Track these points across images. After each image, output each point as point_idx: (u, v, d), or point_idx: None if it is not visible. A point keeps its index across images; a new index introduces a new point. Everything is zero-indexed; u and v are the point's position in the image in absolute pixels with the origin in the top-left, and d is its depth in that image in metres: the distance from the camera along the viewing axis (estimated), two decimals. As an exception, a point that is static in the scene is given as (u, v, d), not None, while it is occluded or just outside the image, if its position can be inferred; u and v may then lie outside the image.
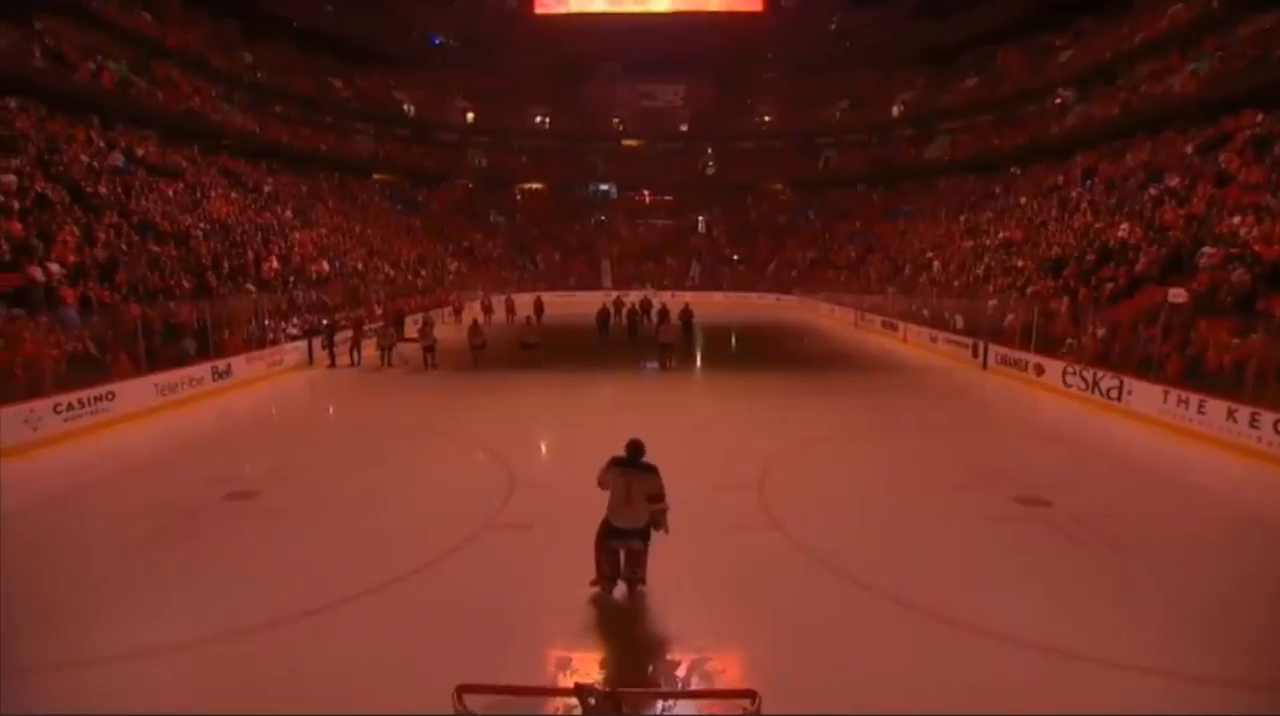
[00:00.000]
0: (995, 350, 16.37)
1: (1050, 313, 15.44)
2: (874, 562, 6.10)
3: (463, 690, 2.83)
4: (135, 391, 11.59)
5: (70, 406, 10.25)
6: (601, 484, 5.30)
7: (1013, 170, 32.74)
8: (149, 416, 11.57)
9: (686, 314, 22.39)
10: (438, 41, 47.94)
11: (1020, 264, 20.64)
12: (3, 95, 20.04)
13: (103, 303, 13.05)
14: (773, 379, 16.00)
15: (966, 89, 40.05)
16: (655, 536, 5.32)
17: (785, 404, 13.34)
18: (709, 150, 51.60)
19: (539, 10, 45.07)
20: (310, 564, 6.20)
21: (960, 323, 19.23)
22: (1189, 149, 20.11)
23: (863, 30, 45.79)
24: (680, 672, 4.53)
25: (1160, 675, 4.52)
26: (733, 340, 24.92)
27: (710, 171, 51.28)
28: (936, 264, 27.11)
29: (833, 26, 47.37)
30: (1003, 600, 5.48)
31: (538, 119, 51.13)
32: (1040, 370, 14.33)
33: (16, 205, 14.62)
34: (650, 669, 4.63)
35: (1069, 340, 14.25)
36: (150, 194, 19.92)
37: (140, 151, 22.81)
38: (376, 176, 43.27)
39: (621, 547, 5.32)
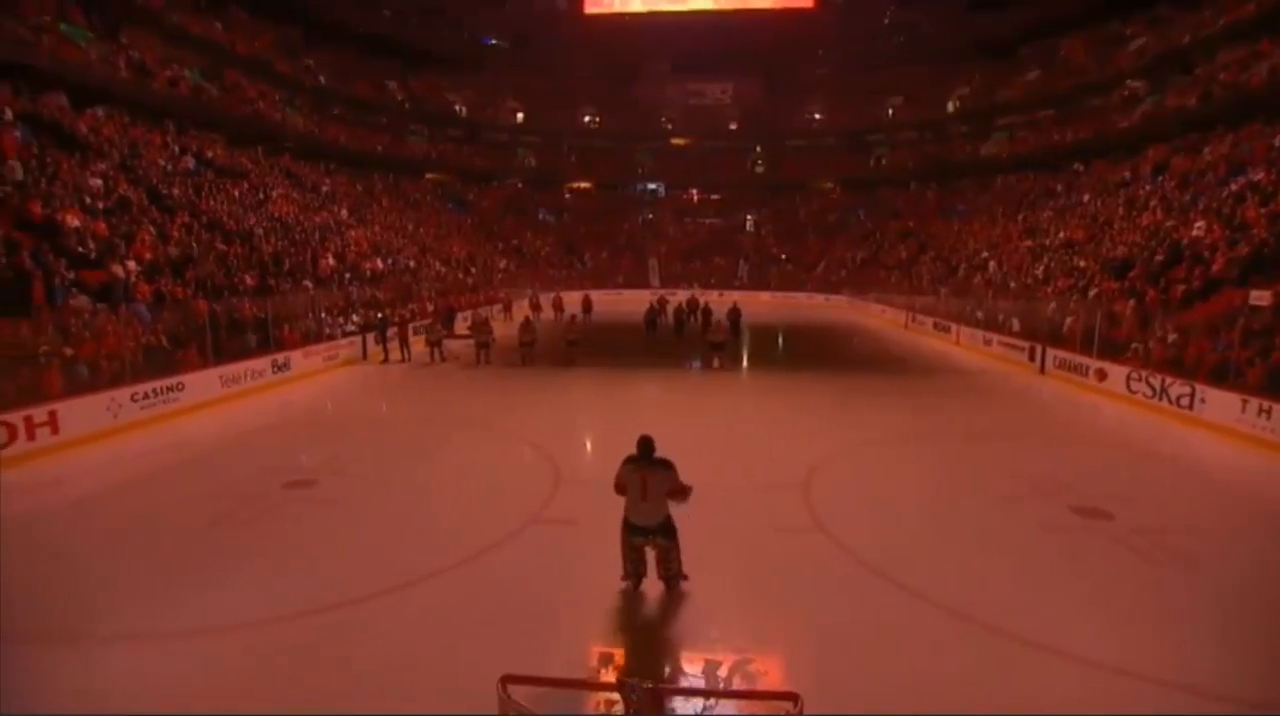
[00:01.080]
0: (1053, 354, 15.76)
1: (1114, 315, 14.77)
2: (921, 569, 5.96)
3: (507, 680, 2.89)
4: (202, 382, 12.19)
5: (146, 395, 10.86)
6: (618, 487, 5.34)
7: (1076, 167, 31.41)
8: (214, 406, 12.14)
9: (734, 313, 22.24)
10: (490, 43, 48.78)
11: (1082, 264, 19.82)
12: (92, 104, 21.35)
13: (175, 298, 13.76)
14: (820, 380, 15.75)
15: (1026, 82, 38.60)
16: (681, 534, 5.34)
17: (833, 405, 13.13)
18: (758, 149, 51.14)
19: (589, 10, 45.40)
20: (363, 552, 6.42)
21: (1016, 325, 18.57)
22: (1277, 141, 18.92)
23: (917, 24, 44.62)
24: (722, 672, 4.53)
25: (1234, 702, 4.30)
26: (780, 340, 24.64)
27: (759, 170, 50.79)
28: (992, 264, 26.23)
29: (885, 21, 46.32)
30: (1055, 613, 5.29)
31: (586, 118, 51.54)
32: (1102, 375, 13.72)
33: (102, 206, 15.56)
34: (692, 667, 4.64)
35: (1134, 344, 13.60)
36: (218, 194, 20.90)
37: (209, 154, 23.96)
38: (429, 176, 44.33)
39: (645, 545, 5.37)
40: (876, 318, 30.85)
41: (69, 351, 10.37)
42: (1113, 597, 5.58)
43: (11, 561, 6.23)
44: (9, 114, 17.29)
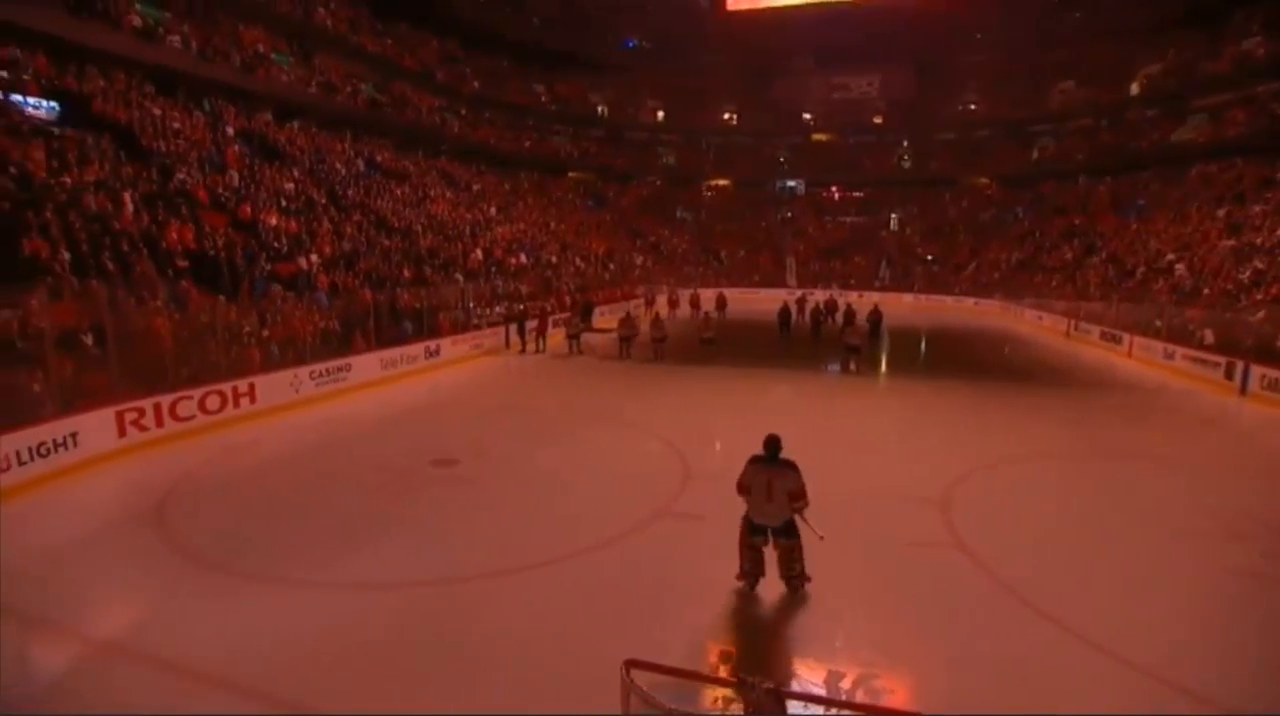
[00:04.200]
0: (1260, 372, 13.56)
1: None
2: (1072, 599, 5.42)
3: (630, 664, 2.99)
4: (366, 365, 13.52)
5: (321, 374, 12.27)
6: (742, 488, 5.34)
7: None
8: (374, 387, 13.41)
9: (875, 315, 21.24)
10: (631, 45, 49.82)
11: (1306, 268, 16.92)
12: (290, 119, 24.53)
13: (346, 288, 15.38)
14: (966, 389, 14.66)
15: (1241, 52, 32.97)
16: (805, 532, 5.25)
17: (979, 416, 12.15)
18: (905, 143, 48.35)
19: (731, 7, 45.03)
20: (497, 530, 6.87)
21: (1209, 338, 16.19)
22: None
23: (1097, -2, 39.87)
24: (845, 684, 4.39)
25: None
26: (923, 345, 23.22)
27: (905, 165, 48.04)
28: (1180, 267, 23.07)
29: (1059, -3, 41.92)
30: (1237, 672, 4.61)
31: (726, 116, 51.25)
32: (1323, 399, 11.66)
33: (293, 207, 17.75)
34: (814, 674, 4.54)
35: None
36: (384, 195, 23.08)
37: (378, 158, 26.53)
38: (571, 175, 46.10)
39: (766, 545, 5.34)
40: (1032, 324, 28.18)
41: (265, 333, 11.96)
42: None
43: (220, 510, 7.37)
44: (230, 130, 20.22)
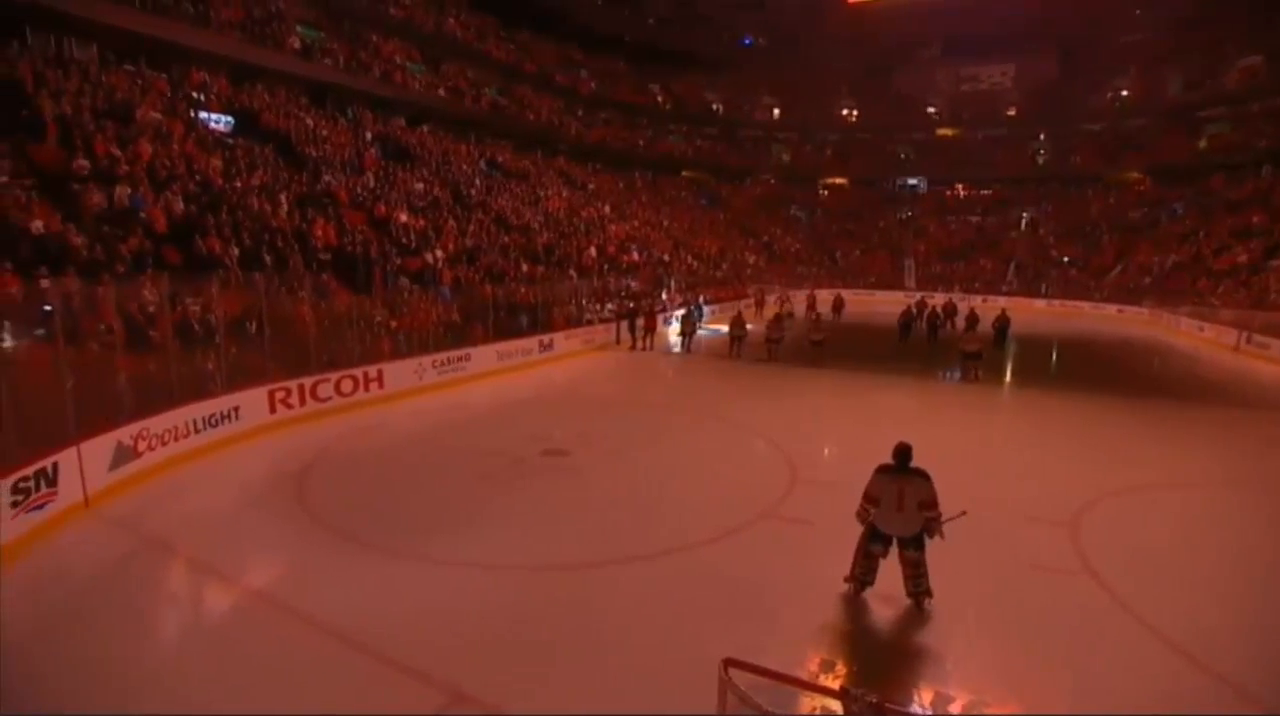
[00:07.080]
0: None
1: None
2: (1227, 645, 4.83)
3: (729, 663, 3.00)
4: (483, 356, 14.22)
5: (443, 363, 13.06)
6: (870, 498, 5.17)
7: None
8: (490, 377, 14.06)
9: (1001, 320, 19.84)
10: (748, 42, 49.24)
11: None
12: (420, 123, 26.32)
13: (467, 282, 16.27)
14: (1105, 404, 13.34)
15: None
16: (930, 544, 5.06)
17: (1119, 435, 11.03)
18: (1041, 136, 44.61)
19: (853, -1, 43.40)
20: (605, 521, 7.05)
21: None
22: None
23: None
24: (954, 708, 4.18)
25: None
26: (1054, 355, 21.40)
27: (1041, 160, 44.36)
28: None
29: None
30: None
31: (845, 112, 49.53)
32: None
33: (421, 205, 19.01)
34: (920, 694, 4.35)
35: None
36: (504, 193, 24.19)
37: (499, 158, 27.85)
38: (685, 173, 46.22)
39: (884, 556, 5.20)
40: (1190, 336, 25.14)
41: (394, 323, 12.91)
42: None
43: (351, 484, 8.08)
44: (368, 135, 21.98)
